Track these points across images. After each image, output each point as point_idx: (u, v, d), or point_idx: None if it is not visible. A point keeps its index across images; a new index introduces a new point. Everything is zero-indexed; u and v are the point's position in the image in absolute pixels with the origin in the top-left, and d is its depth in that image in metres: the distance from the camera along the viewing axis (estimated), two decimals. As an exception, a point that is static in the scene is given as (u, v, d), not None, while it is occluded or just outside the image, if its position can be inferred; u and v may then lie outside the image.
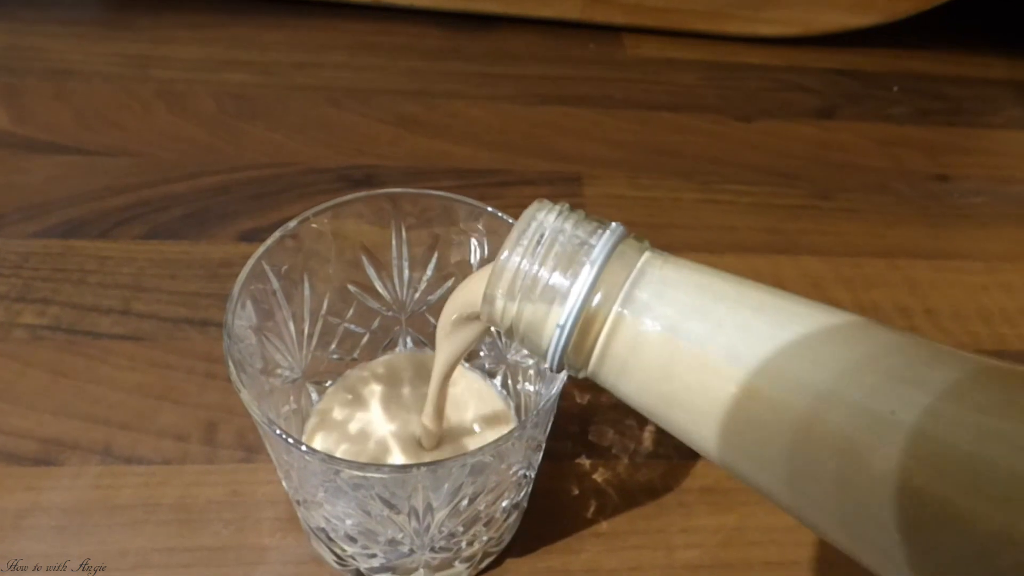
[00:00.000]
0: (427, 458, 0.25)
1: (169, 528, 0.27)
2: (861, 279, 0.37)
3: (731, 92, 0.47)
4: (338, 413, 0.27)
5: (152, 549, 0.26)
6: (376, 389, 0.28)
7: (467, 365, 0.29)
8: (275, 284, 0.23)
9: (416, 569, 0.24)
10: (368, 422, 0.27)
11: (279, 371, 0.24)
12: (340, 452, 0.26)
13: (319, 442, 0.26)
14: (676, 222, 0.38)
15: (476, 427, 0.27)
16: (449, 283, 0.27)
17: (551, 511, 0.28)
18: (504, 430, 0.25)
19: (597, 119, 0.44)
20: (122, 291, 0.33)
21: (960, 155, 0.45)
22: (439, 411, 0.24)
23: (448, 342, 0.21)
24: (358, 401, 0.27)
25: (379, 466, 0.18)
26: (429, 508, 0.20)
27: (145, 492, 0.28)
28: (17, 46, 0.42)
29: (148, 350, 0.31)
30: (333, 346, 0.27)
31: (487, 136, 0.42)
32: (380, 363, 0.28)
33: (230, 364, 0.20)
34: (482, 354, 0.28)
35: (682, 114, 0.45)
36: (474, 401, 0.28)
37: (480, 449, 0.18)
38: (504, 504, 0.23)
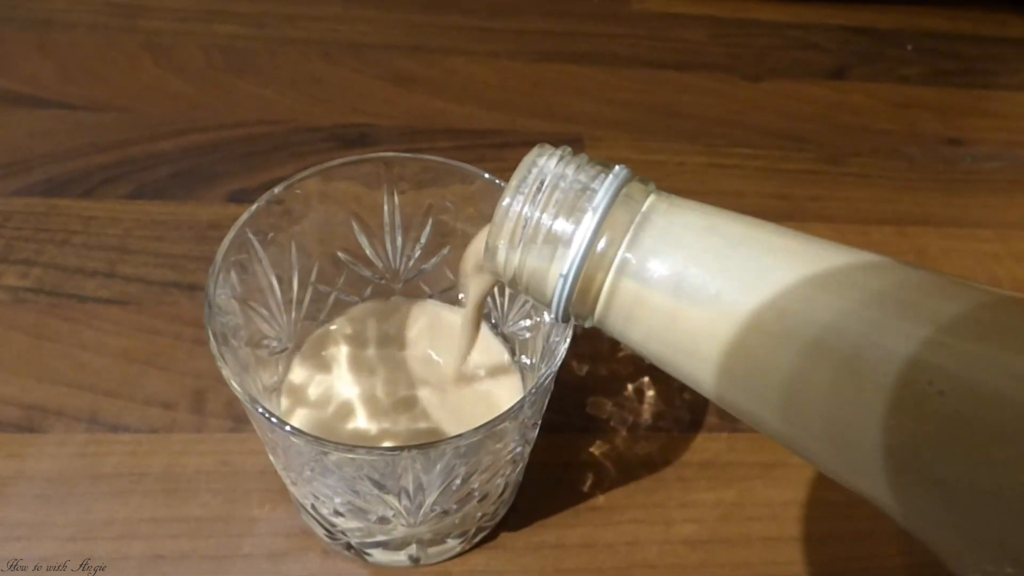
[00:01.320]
0: (414, 422, 0.24)
1: (156, 498, 0.26)
2: (870, 247, 0.36)
3: (740, 50, 0.45)
4: (311, 379, 0.26)
5: (139, 519, 0.26)
6: (345, 349, 0.26)
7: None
8: (260, 252, 0.22)
9: (408, 544, 0.23)
10: (344, 384, 0.26)
11: (265, 342, 0.23)
12: (321, 418, 0.25)
13: (297, 414, 0.25)
14: (681, 187, 0.37)
15: (480, 372, 0.26)
16: (445, 251, 0.26)
17: (547, 485, 0.27)
18: (505, 379, 0.25)
19: (601, 77, 0.42)
20: (107, 253, 0.32)
21: (974, 118, 0.44)
22: (466, 353, 0.24)
23: (470, 288, 0.20)
24: (329, 363, 0.26)
25: (369, 448, 0.17)
26: (420, 488, 0.19)
27: (132, 461, 0.27)
28: (-4, -6, 0.40)
29: (134, 314, 0.30)
30: (323, 316, 0.26)
31: (486, 94, 0.40)
32: (347, 319, 0.27)
33: (211, 337, 0.19)
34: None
35: (689, 73, 0.43)
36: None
37: (474, 430, 0.17)
38: (499, 481, 0.22)
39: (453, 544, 0.24)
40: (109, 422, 0.28)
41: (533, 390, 0.19)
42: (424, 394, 0.25)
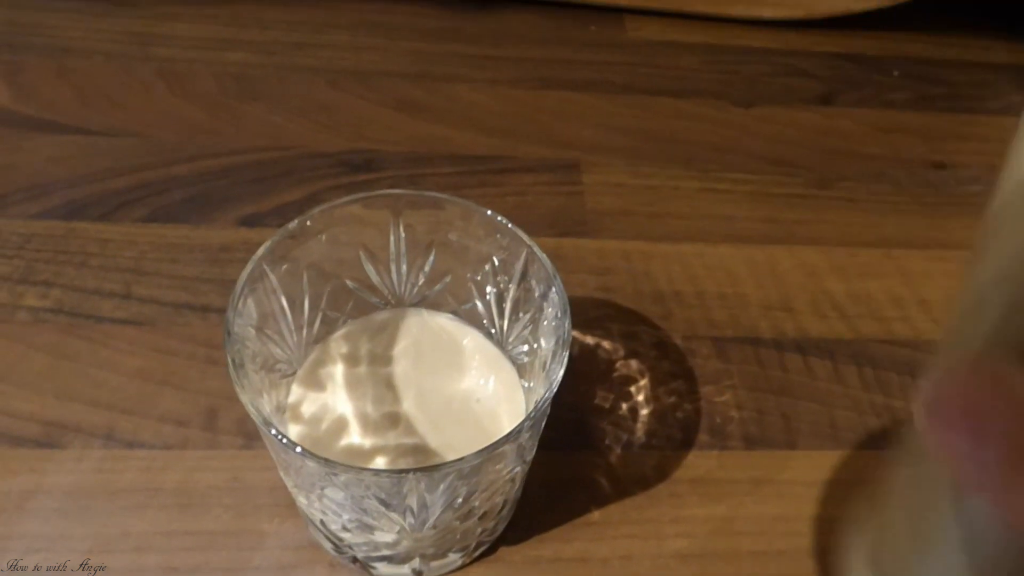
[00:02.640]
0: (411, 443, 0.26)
1: (170, 512, 0.27)
2: (856, 269, 0.37)
3: (732, 77, 0.47)
4: (306, 397, 0.27)
5: (154, 532, 0.27)
6: (340, 367, 0.27)
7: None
8: (275, 282, 0.23)
9: (412, 558, 0.24)
10: (339, 401, 0.26)
11: (278, 366, 0.25)
12: (315, 435, 0.26)
13: (295, 432, 0.26)
14: (674, 211, 0.38)
15: (483, 383, 0.27)
16: (446, 279, 0.27)
17: (544, 501, 0.28)
18: (511, 393, 0.27)
19: (597, 104, 0.43)
20: (123, 275, 0.33)
21: (958, 142, 0.45)
22: None
23: None
24: (324, 382, 0.27)
25: (376, 470, 0.18)
26: (424, 506, 0.20)
27: (147, 476, 0.28)
28: (17, 22, 0.42)
29: (149, 335, 0.32)
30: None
31: (487, 121, 0.42)
32: (342, 336, 0.28)
33: (230, 364, 0.20)
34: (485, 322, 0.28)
35: (683, 99, 0.45)
36: (479, 359, 0.28)
37: (476, 453, 0.18)
38: (498, 499, 0.23)
39: (454, 558, 0.25)
40: (125, 439, 0.29)
41: (531, 415, 0.20)
42: (421, 409, 0.26)
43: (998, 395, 0.14)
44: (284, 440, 0.18)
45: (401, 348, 0.27)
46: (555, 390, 0.20)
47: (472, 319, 0.28)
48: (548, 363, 0.23)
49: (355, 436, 0.25)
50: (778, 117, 0.45)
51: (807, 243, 0.38)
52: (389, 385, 0.26)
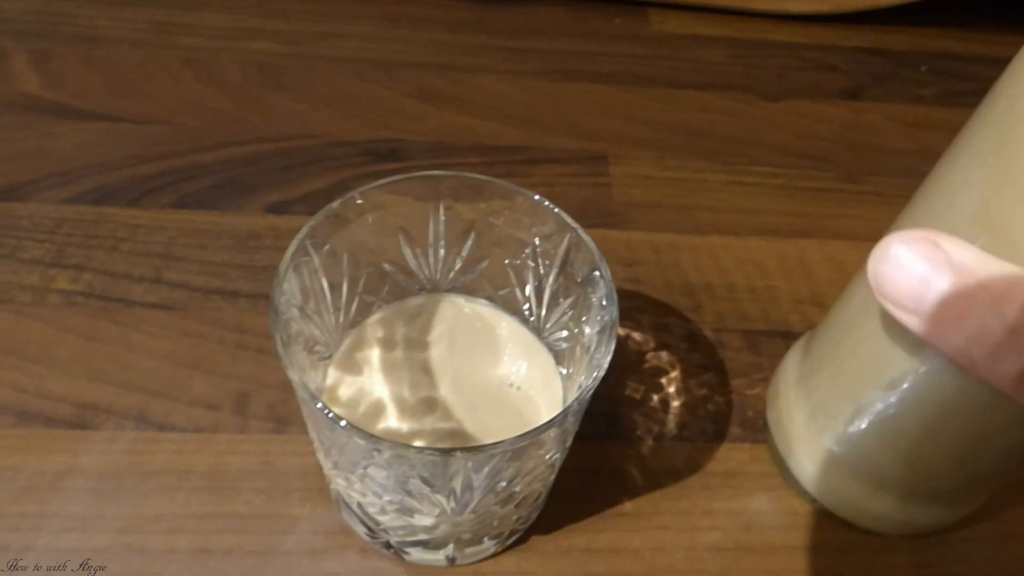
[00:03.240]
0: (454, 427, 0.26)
1: (201, 495, 0.28)
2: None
3: (757, 70, 0.47)
4: (342, 381, 0.27)
5: (185, 515, 0.27)
6: (377, 351, 0.27)
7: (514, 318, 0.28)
8: (317, 263, 0.23)
9: (447, 544, 0.24)
10: (375, 385, 0.26)
11: (316, 348, 0.25)
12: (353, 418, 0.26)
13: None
14: (702, 204, 0.38)
15: (523, 377, 0.27)
16: (483, 264, 0.27)
17: (576, 490, 0.28)
18: (547, 380, 0.26)
19: (623, 96, 0.43)
20: (153, 260, 0.33)
21: (987, 140, 0.45)
22: None
23: None
24: (361, 365, 0.27)
25: (421, 448, 0.18)
26: (468, 487, 0.20)
27: (178, 459, 0.28)
28: (46, 11, 0.42)
29: (179, 319, 0.32)
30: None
31: (513, 112, 0.41)
32: (378, 320, 0.27)
33: (278, 343, 0.20)
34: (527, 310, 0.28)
35: (708, 92, 0.45)
36: (514, 345, 0.28)
37: (521, 436, 0.18)
38: (537, 485, 0.23)
39: (488, 545, 0.25)
40: (157, 421, 0.29)
41: (579, 398, 0.20)
42: (458, 394, 0.26)
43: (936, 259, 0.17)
44: (331, 414, 0.18)
45: (437, 333, 0.27)
46: (602, 376, 0.20)
47: (508, 305, 0.28)
48: (592, 349, 0.22)
49: (392, 420, 0.25)
50: (805, 111, 0.44)
51: (836, 237, 0.38)
52: (425, 370, 0.26)
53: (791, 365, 0.29)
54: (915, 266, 0.18)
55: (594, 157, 0.40)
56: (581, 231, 0.23)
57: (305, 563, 0.26)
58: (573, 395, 0.24)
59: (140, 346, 0.31)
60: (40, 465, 0.28)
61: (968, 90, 0.47)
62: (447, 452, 0.18)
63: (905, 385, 0.22)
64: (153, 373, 0.30)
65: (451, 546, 0.24)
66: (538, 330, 0.27)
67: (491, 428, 0.25)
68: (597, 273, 0.23)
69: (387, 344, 0.27)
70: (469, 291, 0.28)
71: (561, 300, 0.26)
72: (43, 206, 0.34)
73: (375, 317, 0.27)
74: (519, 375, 0.27)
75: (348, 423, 0.18)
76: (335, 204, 0.23)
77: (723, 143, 0.42)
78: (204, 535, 0.27)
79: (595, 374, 0.20)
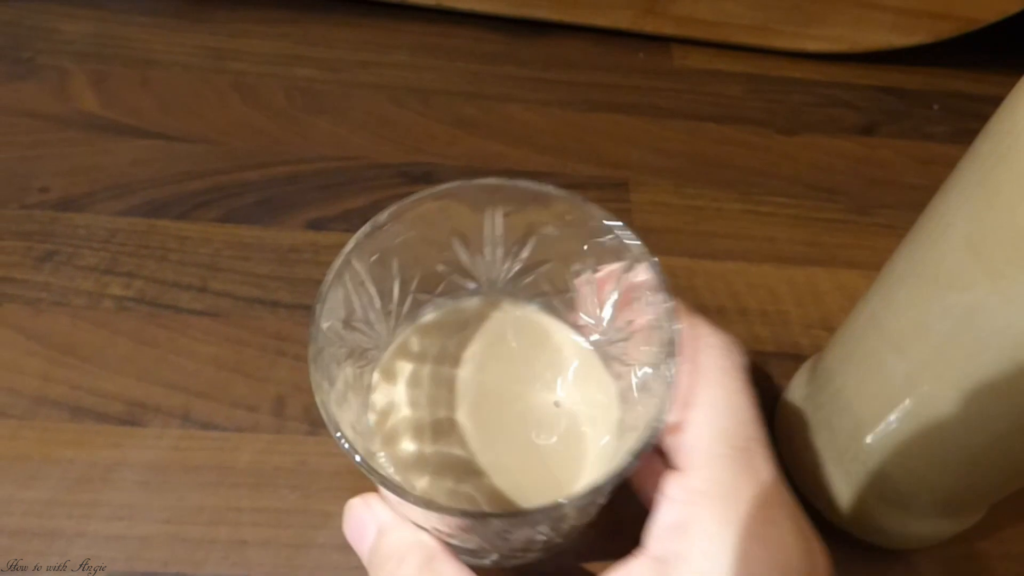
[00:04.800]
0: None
1: (240, 490, 0.29)
2: (894, 293, 0.39)
3: (775, 105, 0.48)
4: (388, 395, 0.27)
5: (226, 508, 0.29)
6: (417, 364, 0.27)
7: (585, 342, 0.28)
8: (363, 274, 0.24)
9: (491, 555, 0.25)
10: (414, 405, 0.27)
11: (368, 353, 0.26)
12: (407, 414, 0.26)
13: (372, 417, 0.26)
14: (718, 231, 0.40)
15: (569, 385, 0.27)
16: (545, 267, 0.27)
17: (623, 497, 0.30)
18: (601, 407, 0.26)
19: (645, 127, 0.45)
20: (200, 270, 0.35)
21: (997, 177, 0.46)
22: None
23: None
24: (398, 376, 0.27)
25: (451, 509, 0.18)
26: (505, 537, 0.21)
27: (220, 456, 0.30)
28: (105, 34, 0.44)
29: (223, 326, 0.34)
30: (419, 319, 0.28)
31: (539, 139, 0.44)
32: (425, 325, 0.27)
33: (323, 386, 0.21)
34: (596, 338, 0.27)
35: (727, 125, 0.46)
36: (568, 357, 0.27)
37: (560, 504, 0.19)
38: (585, 520, 0.24)
39: (536, 554, 0.26)
40: (200, 420, 0.31)
41: (643, 446, 0.19)
42: (499, 417, 0.26)
43: None
44: (377, 471, 0.19)
45: (485, 341, 0.27)
46: (663, 422, 0.20)
47: (567, 315, 0.28)
48: (649, 380, 0.22)
49: (426, 439, 0.26)
50: (820, 145, 0.46)
51: (847, 266, 0.39)
52: (467, 383, 0.27)
53: (799, 384, 0.30)
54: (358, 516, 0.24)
55: (616, 184, 0.42)
56: (645, 251, 0.23)
57: (336, 556, 0.28)
58: (631, 423, 0.24)
59: (186, 350, 0.33)
60: (92, 457, 0.30)
61: (978, 129, 0.49)
62: (481, 517, 0.19)
63: (905, 401, 0.24)
64: (198, 375, 0.32)
65: (495, 555, 0.25)
66: (597, 345, 0.27)
67: (533, 464, 0.25)
68: (660, 297, 0.22)
69: (428, 355, 0.27)
70: (528, 292, 0.28)
71: (619, 317, 0.25)
72: (99, 217, 0.37)
73: (427, 319, 0.27)
74: (570, 391, 0.26)
75: (366, 463, 0.19)
76: (382, 216, 0.23)
77: (740, 174, 0.44)
78: (242, 527, 0.29)
79: (653, 430, 0.20)
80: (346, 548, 0.28)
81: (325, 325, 0.22)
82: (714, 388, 0.22)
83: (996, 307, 0.20)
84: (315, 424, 0.31)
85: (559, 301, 0.28)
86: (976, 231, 0.20)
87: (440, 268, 0.27)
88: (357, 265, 0.24)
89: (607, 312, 0.26)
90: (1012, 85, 0.25)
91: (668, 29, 0.50)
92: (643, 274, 0.23)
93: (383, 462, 0.25)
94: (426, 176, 0.41)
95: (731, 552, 0.19)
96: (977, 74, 0.53)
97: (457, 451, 0.26)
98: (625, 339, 0.25)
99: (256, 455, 0.30)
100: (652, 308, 0.23)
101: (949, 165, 0.47)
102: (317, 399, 0.21)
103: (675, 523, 0.21)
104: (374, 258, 0.24)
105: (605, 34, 0.50)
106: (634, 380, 0.25)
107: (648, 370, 0.23)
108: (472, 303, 0.28)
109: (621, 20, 0.49)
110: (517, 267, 0.27)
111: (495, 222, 0.25)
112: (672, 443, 0.22)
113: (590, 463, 0.25)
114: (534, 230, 0.25)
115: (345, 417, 0.22)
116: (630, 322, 0.25)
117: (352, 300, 0.24)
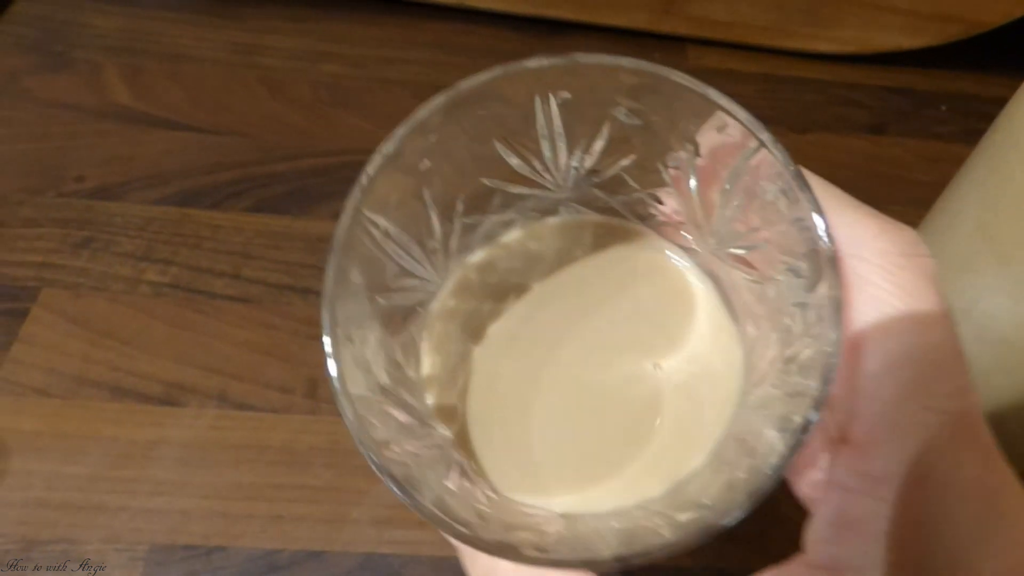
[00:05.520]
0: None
1: (276, 468, 0.31)
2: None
3: (788, 104, 0.50)
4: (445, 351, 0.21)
5: (262, 484, 0.30)
6: (472, 315, 0.21)
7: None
8: (385, 224, 0.19)
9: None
10: (490, 359, 0.21)
11: (418, 309, 0.21)
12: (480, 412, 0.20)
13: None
14: (734, 224, 0.41)
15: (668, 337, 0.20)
16: (626, 160, 0.20)
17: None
18: (720, 383, 0.19)
19: (661, 124, 0.46)
20: (232, 257, 0.37)
21: (1004, 176, 0.48)
22: None
23: None
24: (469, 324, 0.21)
25: (604, 560, 0.14)
26: None
27: (256, 435, 0.31)
28: (136, 30, 0.46)
29: (256, 311, 0.35)
30: (478, 245, 0.22)
31: (559, 135, 0.45)
32: (477, 265, 0.21)
33: (337, 385, 0.17)
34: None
35: (741, 123, 0.48)
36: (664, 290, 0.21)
37: (693, 534, 0.15)
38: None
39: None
40: (236, 401, 0.32)
41: (798, 438, 0.14)
42: (614, 378, 0.20)
43: None
44: (437, 512, 0.16)
45: (554, 284, 0.21)
46: (825, 389, 0.14)
47: (658, 223, 0.21)
48: (790, 317, 0.16)
49: (497, 395, 0.20)
50: (831, 143, 0.47)
51: (858, 260, 0.40)
52: (535, 335, 0.21)
53: None
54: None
55: (633, 179, 0.43)
56: (767, 135, 0.16)
57: (370, 531, 0.29)
58: (760, 370, 0.18)
59: (221, 334, 0.34)
60: (133, 436, 0.31)
61: (984, 128, 0.50)
62: (601, 563, 0.15)
63: None
64: (233, 358, 0.33)
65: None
66: (705, 263, 0.20)
67: (632, 454, 0.19)
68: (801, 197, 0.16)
69: (484, 296, 0.21)
70: (609, 188, 0.21)
71: (736, 221, 0.18)
72: (134, 206, 0.38)
73: (477, 257, 0.21)
74: (676, 347, 0.20)
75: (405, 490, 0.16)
76: (389, 147, 0.18)
77: (753, 170, 0.45)
78: (279, 503, 0.30)
79: (812, 402, 0.14)
80: (380, 522, 0.29)
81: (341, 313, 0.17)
82: (899, 318, 0.15)
83: (1005, 289, 0.21)
84: (347, 406, 0.32)
85: (649, 205, 0.21)
86: (988, 216, 0.21)
87: (487, 182, 0.20)
88: (369, 222, 0.18)
89: (720, 215, 0.19)
90: (1015, 86, 0.26)
91: (684, 29, 0.51)
92: (767, 160, 0.16)
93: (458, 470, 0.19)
94: (449, 169, 0.42)
95: None
96: (983, 76, 0.54)
97: (541, 448, 0.20)
98: (749, 248, 0.18)
99: (291, 435, 0.31)
100: (784, 204, 0.16)
101: (956, 163, 0.48)
102: (363, 451, 0.17)
103: (845, 520, 0.15)
104: (395, 199, 0.19)
105: (622, 34, 0.51)
106: (766, 317, 0.18)
107: (789, 301, 0.17)
108: (533, 224, 0.22)
109: (638, 20, 0.50)
110: (588, 162, 0.20)
111: (550, 112, 0.19)
112: (837, 401, 0.15)
113: (705, 447, 0.19)
114: (605, 115, 0.19)
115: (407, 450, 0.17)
116: (754, 230, 0.18)
117: (373, 261, 0.19)
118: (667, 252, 0.21)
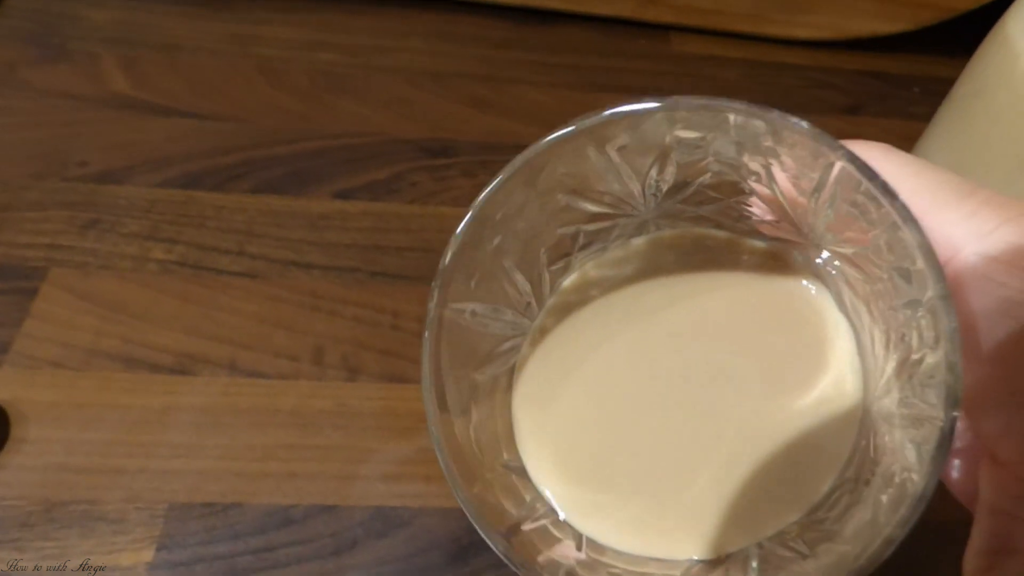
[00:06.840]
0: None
1: (287, 430, 0.32)
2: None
3: (768, 88, 0.51)
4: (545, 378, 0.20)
5: (275, 445, 0.31)
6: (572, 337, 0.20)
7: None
8: (471, 307, 0.19)
9: None
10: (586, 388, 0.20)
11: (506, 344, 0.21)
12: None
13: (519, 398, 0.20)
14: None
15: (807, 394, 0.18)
16: (705, 177, 0.19)
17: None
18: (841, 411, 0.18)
19: (647, 107, 0.48)
20: (236, 235, 0.38)
21: (976, 153, 0.50)
22: None
23: None
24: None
25: None
26: None
27: (266, 400, 0.32)
28: (132, 22, 0.47)
29: (261, 285, 0.36)
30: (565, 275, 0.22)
31: (549, 118, 0.46)
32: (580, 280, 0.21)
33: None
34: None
35: (724, 106, 0.49)
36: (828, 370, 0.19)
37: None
38: None
39: None
40: (246, 369, 0.33)
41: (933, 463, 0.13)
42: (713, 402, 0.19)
43: None
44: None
45: (647, 304, 0.20)
46: (953, 414, 0.13)
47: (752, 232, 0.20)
48: (896, 329, 0.15)
49: (593, 472, 0.19)
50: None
51: (839, 230, 0.42)
52: (631, 360, 0.20)
53: None
54: None
55: (622, 158, 0.44)
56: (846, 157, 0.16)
57: (380, 486, 0.30)
58: (883, 379, 0.16)
59: (228, 307, 0.35)
60: (147, 403, 0.32)
61: (958, 108, 0.52)
62: None
63: None
64: (241, 329, 0.34)
65: None
66: (813, 269, 0.19)
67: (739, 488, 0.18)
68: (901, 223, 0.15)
69: (583, 328, 0.20)
70: (692, 202, 0.20)
71: (834, 228, 0.17)
72: (138, 188, 0.39)
73: (570, 280, 0.21)
74: (803, 383, 0.18)
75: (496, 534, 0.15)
76: (475, 207, 0.18)
77: (737, 149, 0.46)
78: (292, 462, 0.31)
79: (940, 432, 0.12)
80: (389, 478, 0.31)
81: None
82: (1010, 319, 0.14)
83: None
84: (352, 371, 0.33)
85: (743, 208, 0.20)
86: (954, 161, 0.22)
87: (561, 231, 0.20)
88: (458, 305, 0.19)
89: (814, 220, 0.18)
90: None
91: (668, 17, 0.52)
92: (847, 172, 0.16)
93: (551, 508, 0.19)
94: (445, 150, 0.43)
95: None
96: (955, 59, 0.56)
97: (645, 487, 0.19)
98: (849, 250, 0.17)
99: (299, 399, 0.32)
100: (875, 212, 0.16)
101: (931, 140, 0.50)
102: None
103: (1006, 548, 0.13)
104: (473, 281, 0.19)
105: (608, 22, 0.53)
106: (871, 330, 0.17)
107: (901, 301, 0.15)
108: (617, 251, 0.21)
109: (623, 9, 0.52)
110: (665, 186, 0.20)
111: (613, 163, 0.19)
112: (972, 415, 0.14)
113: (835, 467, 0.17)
114: (668, 147, 0.19)
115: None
116: (850, 236, 0.17)
117: (472, 340, 0.19)
118: (774, 260, 0.20)
